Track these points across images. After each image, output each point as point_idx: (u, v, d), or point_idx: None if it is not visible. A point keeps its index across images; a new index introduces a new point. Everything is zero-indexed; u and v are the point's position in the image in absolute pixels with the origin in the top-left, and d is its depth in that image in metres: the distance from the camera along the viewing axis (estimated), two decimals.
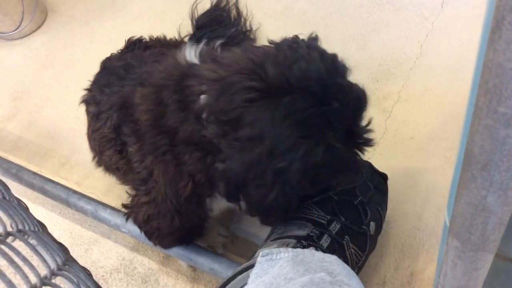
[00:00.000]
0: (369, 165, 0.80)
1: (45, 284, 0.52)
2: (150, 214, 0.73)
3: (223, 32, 1.12)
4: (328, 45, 0.62)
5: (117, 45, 0.99)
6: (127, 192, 0.79)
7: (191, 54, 0.66)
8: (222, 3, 1.20)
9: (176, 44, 1.02)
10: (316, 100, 0.54)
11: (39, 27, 1.43)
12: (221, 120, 0.57)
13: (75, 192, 0.94)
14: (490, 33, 0.26)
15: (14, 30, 1.37)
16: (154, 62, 0.76)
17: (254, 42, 1.17)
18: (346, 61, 0.61)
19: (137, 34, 1.01)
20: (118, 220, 0.88)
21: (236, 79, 0.56)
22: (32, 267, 0.52)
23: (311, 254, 0.58)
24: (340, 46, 1.14)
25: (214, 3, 1.20)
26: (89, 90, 0.88)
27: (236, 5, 1.21)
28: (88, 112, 0.86)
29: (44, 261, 0.57)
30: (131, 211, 0.77)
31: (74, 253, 0.82)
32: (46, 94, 1.24)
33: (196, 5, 1.19)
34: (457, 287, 0.48)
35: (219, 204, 0.72)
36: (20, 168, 1.01)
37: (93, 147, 0.85)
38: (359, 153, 0.63)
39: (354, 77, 0.61)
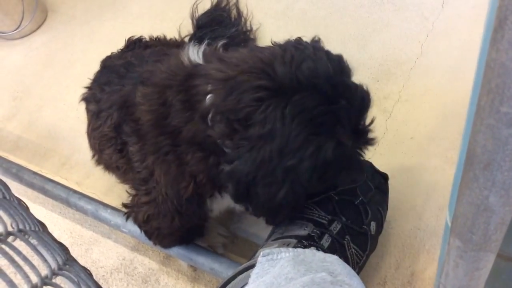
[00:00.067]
0: (370, 165, 0.80)
1: (46, 284, 0.52)
2: (150, 214, 0.73)
3: (223, 32, 1.12)
4: (329, 45, 0.63)
5: (117, 45, 0.99)
6: (127, 192, 0.79)
7: (194, 54, 0.66)
8: (222, 3, 1.20)
9: (176, 44, 1.02)
10: (324, 99, 0.55)
11: (39, 27, 1.43)
12: (229, 120, 0.56)
13: (75, 192, 0.94)
14: (493, 33, 0.26)
15: (14, 30, 1.37)
16: (155, 61, 0.76)
17: (255, 42, 1.17)
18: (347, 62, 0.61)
19: (137, 34, 1.01)
20: (119, 220, 0.88)
21: (244, 78, 0.56)
22: (32, 266, 0.51)
23: (312, 254, 0.58)
24: (340, 46, 1.14)
25: (214, 3, 1.20)
26: (89, 88, 0.88)
27: (237, 5, 1.21)
28: (88, 110, 0.86)
29: (45, 260, 0.57)
30: (131, 211, 0.77)
31: (74, 253, 0.82)
32: (46, 94, 1.24)
33: (197, 5, 1.19)
34: (459, 287, 0.48)
35: (218, 205, 0.72)
36: (21, 167, 1.01)
37: (93, 146, 0.85)
38: (361, 152, 0.64)
39: (355, 77, 0.61)
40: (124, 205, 0.79)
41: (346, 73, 0.59)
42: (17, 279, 0.49)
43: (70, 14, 1.45)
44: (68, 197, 0.93)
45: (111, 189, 1.00)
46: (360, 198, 0.74)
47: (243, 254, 0.86)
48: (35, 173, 0.99)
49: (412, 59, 1.09)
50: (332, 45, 0.61)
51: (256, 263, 0.60)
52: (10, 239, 0.55)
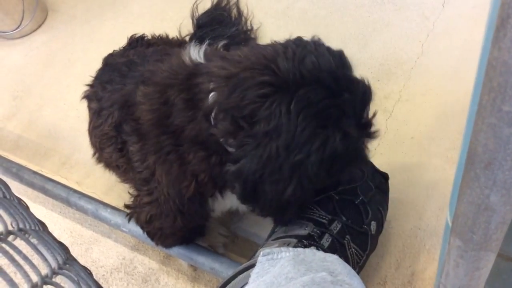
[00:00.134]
0: (370, 165, 0.80)
1: (46, 283, 0.52)
2: (153, 215, 0.72)
3: (223, 31, 1.12)
4: (329, 44, 0.62)
5: (118, 44, 0.99)
6: (129, 193, 0.79)
7: (195, 54, 0.66)
8: (222, 2, 1.20)
9: (178, 43, 1.02)
10: (328, 92, 0.55)
11: (39, 26, 1.43)
12: (234, 117, 0.56)
13: (75, 191, 0.94)
14: (495, 31, 0.26)
15: (15, 29, 1.37)
16: (156, 61, 0.76)
17: (256, 41, 1.17)
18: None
19: (137, 34, 1.01)
20: (119, 219, 0.88)
21: (247, 74, 0.56)
22: (33, 265, 0.51)
23: (312, 254, 0.58)
24: (341, 46, 1.11)
25: (214, 3, 1.20)
26: (91, 86, 0.88)
27: (237, 4, 1.21)
28: (89, 108, 0.86)
29: (45, 260, 0.57)
30: (133, 212, 0.77)
31: (74, 252, 0.82)
32: (47, 93, 1.24)
33: (197, 5, 1.19)
34: (459, 287, 0.48)
35: (220, 205, 0.71)
36: (21, 167, 1.01)
37: (93, 144, 0.85)
38: (365, 145, 0.64)
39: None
40: (126, 206, 0.79)
41: (347, 67, 0.59)
42: (17, 278, 0.49)
43: (71, 13, 1.45)
44: (68, 196, 0.93)
45: (111, 189, 1.00)
46: (361, 198, 0.74)
47: (243, 253, 0.86)
48: (35, 173, 0.99)
49: (412, 58, 1.09)
50: (333, 45, 0.61)
51: (256, 262, 0.60)
52: (10, 238, 0.55)
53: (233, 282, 0.62)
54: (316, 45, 0.59)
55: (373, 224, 0.74)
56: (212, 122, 0.59)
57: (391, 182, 0.82)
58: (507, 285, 0.56)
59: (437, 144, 0.94)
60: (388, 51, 1.12)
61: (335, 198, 0.72)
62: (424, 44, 1.11)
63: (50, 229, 0.77)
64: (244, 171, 0.57)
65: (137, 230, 0.83)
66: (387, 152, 0.95)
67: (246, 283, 0.58)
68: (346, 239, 0.70)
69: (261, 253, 0.60)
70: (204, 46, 0.68)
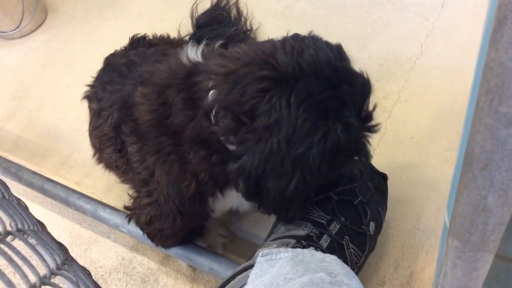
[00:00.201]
0: (369, 165, 0.80)
1: (45, 284, 0.52)
2: (153, 216, 0.72)
3: (223, 31, 1.12)
4: None
5: (118, 45, 0.99)
6: (128, 194, 0.79)
7: (193, 54, 0.66)
8: (222, 2, 1.20)
9: (179, 43, 1.02)
10: (328, 84, 0.55)
11: (39, 26, 1.43)
12: (235, 113, 0.56)
13: (74, 191, 0.94)
14: (492, 33, 0.26)
15: (14, 29, 1.37)
16: (155, 61, 0.76)
17: (255, 40, 1.17)
18: None
19: (139, 34, 1.01)
20: (118, 219, 0.88)
21: (247, 70, 0.56)
22: (31, 266, 0.51)
23: (310, 254, 0.58)
24: None
25: (214, 3, 1.20)
26: (91, 86, 0.88)
27: (236, 4, 1.21)
28: (90, 108, 0.86)
29: (44, 260, 0.57)
30: (133, 213, 0.77)
31: (73, 252, 0.82)
32: (46, 93, 1.24)
33: (196, 5, 1.19)
34: (457, 287, 0.48)
35: (221, 205, 0.71)
36: (20, 167, 1.01)
37: (93, 144, 0.85)
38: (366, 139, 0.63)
39: None
40: (126, 207, 0.79)
41: (346, 60, 0.59)
42: (16, 278, 0.49)
43: (70, 13, 1.45)
44: (68, 196, 0.93)
45: (111, 189, 1.00)
46: (359, 198, 0.74)
47: (242, 254, 0.86)
48: (34, 173, 0.99)
49: (411, 59, 1.09)
50: None
51: (255, 263, 0.60)
52: (9, 238, 0.55)
53: (232, 283, 0.62)
54: (314, 40, 0.59)
55: (372, 225, 0.74)
56: (213, 121, 0.59)
57: (390, 182, 0.82)
58: (505, 285, 0.56)
59: (436, 145, 0.94)
60: (387, 51, 1.12)
61: (334, 198, 0.72)
62: (423, 45, 1.11)
63: (49, 229, 0.77)
64: (246, 167, 0.57)
65: (136, 230, 0.83)
66: (386, 153, 0.95)
67: (245, 284, 0.58)
68: (345, 239, 0.70)
69: (260, 253, 0.60)
70: (201, 46, 0.68)
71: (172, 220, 0.70)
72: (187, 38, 1.12)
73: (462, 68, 1.04)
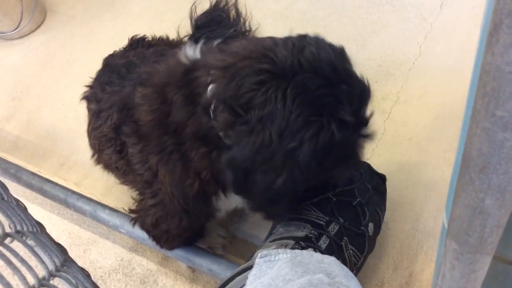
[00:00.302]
0: (367, 166, 0.80)
1: (43, 285, 0.52)
2: (159, 217, 0.72)
3: (222, 32, 1.12)
4: None
5: (117, 45, 0.99)
6: (132, 198, 0.79)
7: (192, 52, 0.66)
8: (221, 3, 1.20)
9: (178, 44, 1.02)
10: (326, 81, 0.55)
11: (38, 27, 1.43)
12: (231, 106, 0.55)
13: (73, 192, 0.94)
14: (488, 36, 0.26)
15: (13, 30, 1.37)
16: (154, 62, 0.76)
17: None
18: None
19: (138, 34, 1.01)
20: (117, 220, 0.88)
21: (246, 63, 0.56)
22: (30, 268, 0.51)
23: (309, 255, 0.58)
24: None
25: (213, 4, 1.20)
26: (90, 87, 0.88)
27: (235, 5, 1.21)
28: (88, 109, 0.85)
29: (42, 262, 0.57)
30: (138, 216, 0.77)
31: (72, 253, 0.82)
32: (45, 94, 1.24)
33: (196, 6, 1.19)
34: None
35: (225, 205, 0.71)
36: (19, 168, 1.01)
37: (92, 145, 0.85)
38: (360, 146, 0.62)
39: None
40: (132, 210, 0.78)
41: (348, 62, 0.59)
42: (15, 280, 0.49)
43: (69, 14, 1.45)
44: (67, 197, 0.93)
45: (110, 190, 1.00)
46: (358, 199, 0.74)
47: (241, 255, 0.86)
48: (33, 174, 0.99)
49: (410, 60, 1.09)
50: None
51: (253, 264, 0.60)
52: (7, 240, 0.55)
53: (231, 284, 0.62)
54: (317, 39, 0.59)
55: (371, 226, 0.74)
56: (212, 115, 0.58)
57: (388, 183, 0.82)
58: (504, 287, 0.56)
59: (435, 145, 0.94)
60: (386, 52, 1.12)
61: (333, 199, 0.73)
62: (422, 46, 1.11)
63: (48, 230, 0.77)
64: (235, 158, 0.56)
65: (135, 231, 0.83)
66: (385, 153, 0.95)
67: (244, 285, 0.58)
68: (344, 240, 0.70)
69: (259, 254, 0.60)
70: (199, 46, 0.68)
71: (178, 220, 0.70)
72: (186, 39, 1.13)
73: (461, 68, 1.04)
